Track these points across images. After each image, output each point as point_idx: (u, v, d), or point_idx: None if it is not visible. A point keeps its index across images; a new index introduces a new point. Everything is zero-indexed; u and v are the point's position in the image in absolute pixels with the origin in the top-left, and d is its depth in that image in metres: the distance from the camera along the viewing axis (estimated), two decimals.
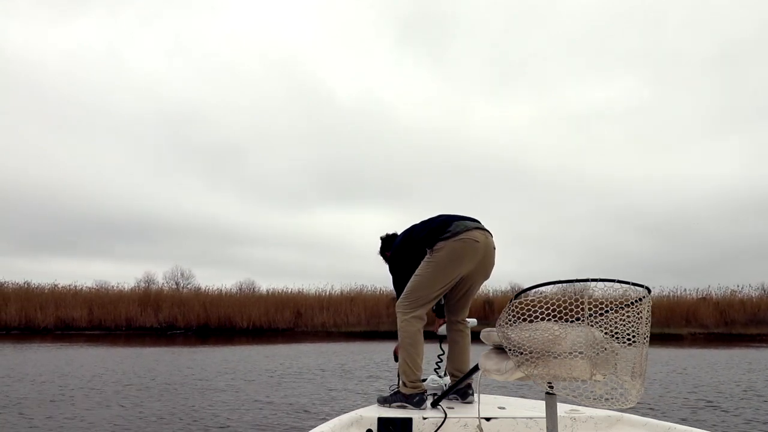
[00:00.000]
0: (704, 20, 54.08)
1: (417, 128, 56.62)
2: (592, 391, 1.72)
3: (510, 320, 1.78)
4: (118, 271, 60.62)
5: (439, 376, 3.15)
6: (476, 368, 1.96)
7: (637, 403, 1.72)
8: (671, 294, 30.05)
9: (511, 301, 1.80)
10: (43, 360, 12.42)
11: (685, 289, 30.33)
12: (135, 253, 47.58)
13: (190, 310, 27.73)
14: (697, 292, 30.16)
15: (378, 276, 32.09)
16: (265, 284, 40.08)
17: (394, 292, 3.26)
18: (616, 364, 1.72)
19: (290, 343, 20.04)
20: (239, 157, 55.77)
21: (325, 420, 2.51)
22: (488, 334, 1.85)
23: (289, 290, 30.83)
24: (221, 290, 30.52)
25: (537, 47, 56.98)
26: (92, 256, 46.03)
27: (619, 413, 2.58)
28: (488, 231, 3.11)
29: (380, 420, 2.53)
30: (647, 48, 54.40)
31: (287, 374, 9.91)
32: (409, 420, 2.53)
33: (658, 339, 24.80)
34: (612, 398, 1.71)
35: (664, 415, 5.99)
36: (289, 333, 27.21)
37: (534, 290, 1.77)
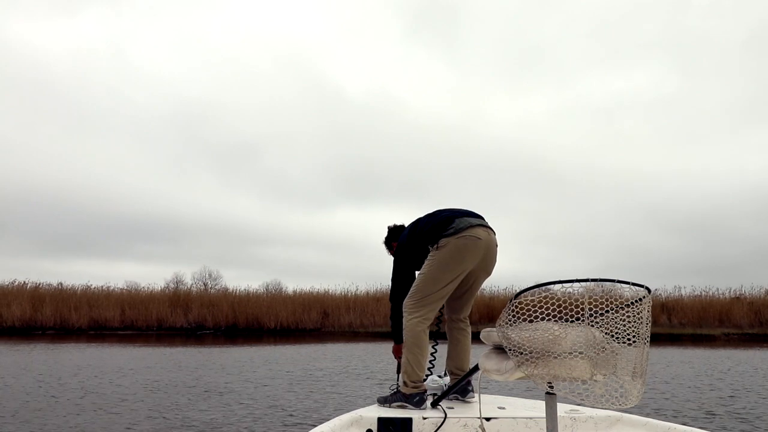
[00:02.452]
0: (732, 1, 51.99)
1: (431, 124, 55.21)
2: (592, 391, 1.72)
3: (510, 320, 1.80)
4: (137, 271, 60.37)
5: (439, 376, 3.16)
6: (476, 368, 1.97)
7: (643, 405, 1.71)
8: (703, 294, 29.46)
9: (511, 301, 1.81)
10: (78, 360, 12.74)
11: (717, 289, 29.65)
12: (157, 253, 48.05)
13: (218, 310, 28.13)
14: (730, 292, 29.49)
15: None
16: (291, 284, 40.09)
17: (390, 286, 3.29)
18: (616, 365, 1.72)
19: (317, 344, 20.17)
20: (254, 156, 55.70)
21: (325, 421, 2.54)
22: (488, 334, 1.87)
23: (316, 291, 31.10)
24: (248, 291, 30.92)
25: (553, 36, 55.08)
26: (114, 257, 46.24)
27: (619, 413, 2.56)
28: (491, 228, 3.11)
29: (380, 420, 2.55)
30: (672, 33, 52.33)
31: (307, 375, 9.98)
32: (409, 420, 2.54)
33: (690, 339, 24.30)
34: (612, 398, 1.71)
35: (694, 420, 5.88)
36: (317, 333, 27.39)
37: (534, 290, 1.78)
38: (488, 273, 3.17)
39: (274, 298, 30.01)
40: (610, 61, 55.40)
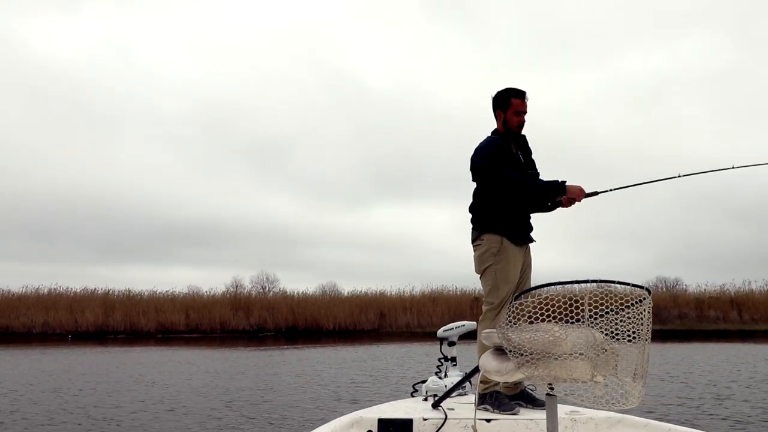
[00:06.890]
0: None
1: (461, 114, 51.15)
2: (592, 393, 1.72)
3: (511, 321, 1.81)
4: (192, 276, 61.03)
5: (439, 377, 3.16)
6: (477, 369, 1.99)
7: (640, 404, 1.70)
8: None
9: (511, 302, 1.83)
10: (148, 362, 13.35)
11: None
12: (209, 257, 48.16)
13: (278, 313, 28.82)
14: None
15: (458, 275, 31.14)
16: (345, 286, 39.67)
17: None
18: (616, 366, 1.71)
19: (374, 344, 20.34)
20: (284, 156, 54.60)
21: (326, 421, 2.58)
22: (489, 335, 1.89)
23: (372, 292, 31.32)
24: (305, 293, 31.49)
25: (586, 8, 51.24)
26: (166, 262, 46.69)
27: (620, 414, 2.52)
28: None
29: (380, 421, 2.57)
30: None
31: (359, 378, 10.09)
32: (410, 421, 2.56)
33: (763, 336, 23.07)
34: (613, 399, 1.70)
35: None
36: (374, 334, 27.60)
37: (534, 291, 1.79)
38: None
39: (331, 300, 30.48)
40: (652, 33, 51.20)
